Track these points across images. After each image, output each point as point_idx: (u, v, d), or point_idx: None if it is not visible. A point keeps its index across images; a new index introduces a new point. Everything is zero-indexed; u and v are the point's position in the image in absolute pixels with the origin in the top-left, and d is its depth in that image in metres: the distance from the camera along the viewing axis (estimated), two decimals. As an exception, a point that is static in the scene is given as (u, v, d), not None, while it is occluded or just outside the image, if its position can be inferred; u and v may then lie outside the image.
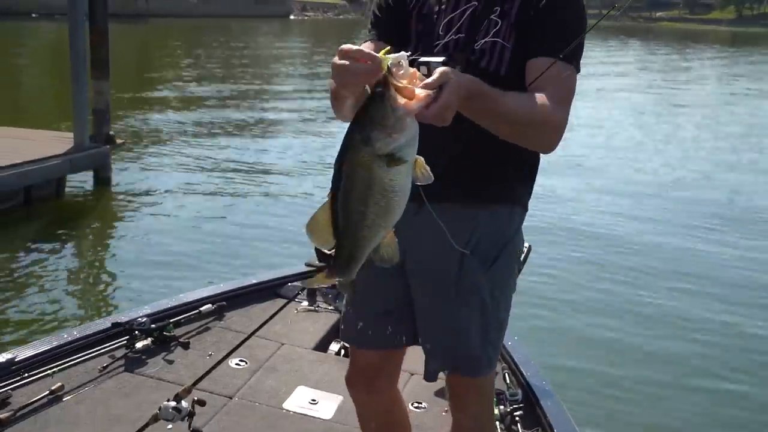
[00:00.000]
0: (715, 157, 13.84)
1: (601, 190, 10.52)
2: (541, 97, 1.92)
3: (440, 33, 2.15)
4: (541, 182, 2.37)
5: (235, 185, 9.72)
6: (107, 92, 9.05)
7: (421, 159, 1.64)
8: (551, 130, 1.96)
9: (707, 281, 7.26)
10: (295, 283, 4.31)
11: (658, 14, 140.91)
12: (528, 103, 1.92)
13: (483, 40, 2.08)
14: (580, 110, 16.79)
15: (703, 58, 45.86)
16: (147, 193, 9.07)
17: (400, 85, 1.54)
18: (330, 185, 1.67)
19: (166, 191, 9.16)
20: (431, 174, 1.63)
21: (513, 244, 2.28)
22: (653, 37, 73.92)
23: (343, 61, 1.56)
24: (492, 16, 2.09)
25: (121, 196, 8.81)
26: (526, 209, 2.32)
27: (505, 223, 2.26)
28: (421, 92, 1.55)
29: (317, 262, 4.47)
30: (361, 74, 1.56)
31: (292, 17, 70.23)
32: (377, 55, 1.56)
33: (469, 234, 2.18)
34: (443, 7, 2.17)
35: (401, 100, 1.53)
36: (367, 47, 1.76)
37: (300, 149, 12.30)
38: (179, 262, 6.89)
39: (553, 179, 9.96)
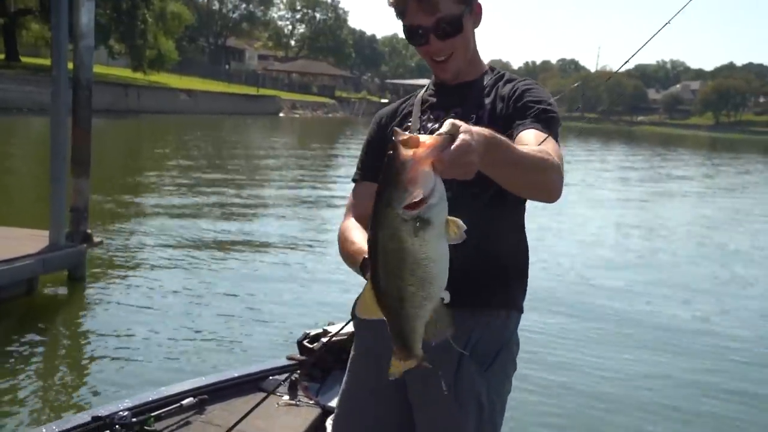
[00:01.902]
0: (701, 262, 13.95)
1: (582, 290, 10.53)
2: (538, 147, 2.01)
3: None
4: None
5: (215, 279, 9.63)
6: (87, 191, 8.89)
7: (453, 218, 1.57)
8: (557, 174, 1.98)
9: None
10: (276, 377, 4.30)
11: (639, 118, 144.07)
12: (533, 150, 1.97)
13: None
14: (564, 210, 17.05)
15: (688, 163, 46.57)
16: (124, 287, 8.92)
17: (404, 137, 1.52)
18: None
19: (144, 283, 9.06)
20: (463, 233, 1.58)
21: (509, 348, 2.35)
22: (635, 142, 75.13)
23: None
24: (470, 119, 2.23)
25: (97, 293, 8.63)
26: (521, 312, 2.41)
27: (502, 326, 2.33)
28: (426, 138, 1.52)
29: (299, 355, 4.48)
30: None
31: (281, 115, 71.03)
32: None
33: (468, 336, 2.24)
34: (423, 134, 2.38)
35: (408, 152, 1.50)
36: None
37: (281, 248, 12.19)
38: (159, 355, 6.82)
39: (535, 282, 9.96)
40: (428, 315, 1.67)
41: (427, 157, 1.50)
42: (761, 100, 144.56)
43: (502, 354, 2.31)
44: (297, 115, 73.18)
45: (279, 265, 10.78)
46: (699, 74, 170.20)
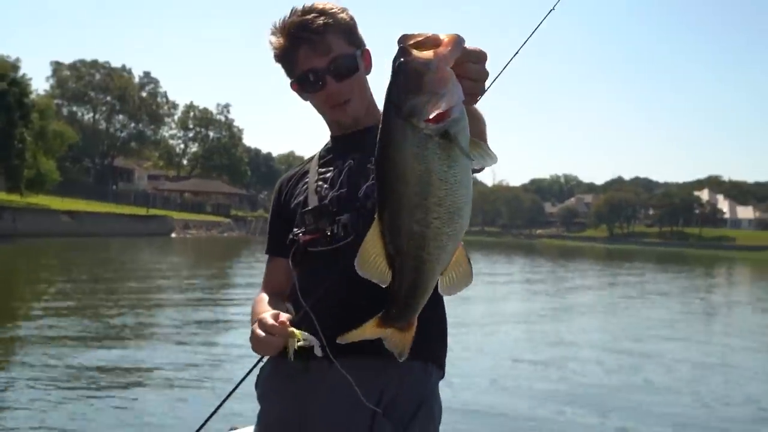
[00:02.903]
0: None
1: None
2: None
3: (323, 195, 2.31)
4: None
5: (103, 414, 8.53)
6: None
7: (475, 138, 1.38)
8: None
9: None
10: None
11: (538, 231, 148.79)
12: None
13: (365, 185, 2.24)
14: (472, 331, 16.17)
15: (588, 271, 46.61)
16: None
17: (417, 38, 1.32)
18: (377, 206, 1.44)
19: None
20: (494, 154, 1.42)
21: (429, 407, 2.20)
22: (536, 254, 76.14)
23: (259, 332, 2.01)
24: (368, 165, 2.18)
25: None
26: (442, 370, 2.30)
27: (420, 379, 2.19)
28: (444, 36, 1.32)
29: None
30: (272, 346, 2.02)
31: (173, 235, 68.65)
32: (287, 330, 1.87)
33: (381, 391, 2.10)
34: (322, 184, 2.35)
35: (428, 53, 1.31)
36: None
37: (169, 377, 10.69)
38: None
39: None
40: (448, 261, 1.43)
41: (452, 55, 1.29)
42: (651, 212, 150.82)
43: (422, 413, 2.15)
44: (190, 235, 71.21)
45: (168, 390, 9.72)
46: (591, 188, 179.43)
